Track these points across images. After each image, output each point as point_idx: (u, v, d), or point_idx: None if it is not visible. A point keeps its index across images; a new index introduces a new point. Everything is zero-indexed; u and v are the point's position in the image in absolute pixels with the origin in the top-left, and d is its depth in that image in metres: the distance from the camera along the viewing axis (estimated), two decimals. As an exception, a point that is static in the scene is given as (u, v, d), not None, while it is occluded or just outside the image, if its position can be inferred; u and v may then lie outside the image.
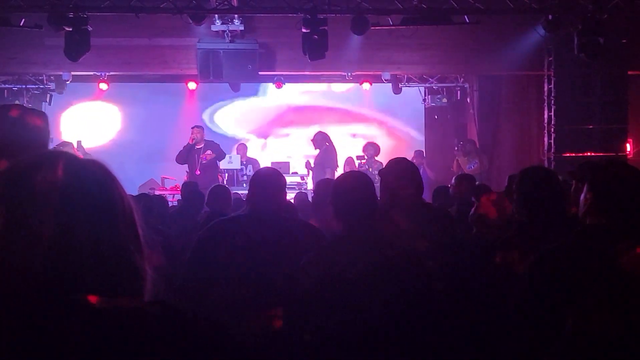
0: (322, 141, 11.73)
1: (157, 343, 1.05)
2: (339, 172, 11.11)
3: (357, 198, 3.03)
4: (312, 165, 12.03)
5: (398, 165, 3.95)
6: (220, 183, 10.57)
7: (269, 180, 3.63)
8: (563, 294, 2.40)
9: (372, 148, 12.47)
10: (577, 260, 2.44)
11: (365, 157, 12.40)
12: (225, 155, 11.49)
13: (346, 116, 15.15)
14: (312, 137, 11.93)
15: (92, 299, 1.05)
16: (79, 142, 12.52)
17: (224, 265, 3.35)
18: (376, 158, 12.35)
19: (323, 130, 12.59)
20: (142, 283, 1.13)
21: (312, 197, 4.94)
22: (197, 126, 11.62)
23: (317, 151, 12.07)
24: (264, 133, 15.29)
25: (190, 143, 11.17)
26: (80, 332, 1.02)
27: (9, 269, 1.05)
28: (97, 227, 1.09)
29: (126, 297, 1.09)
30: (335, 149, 11.71)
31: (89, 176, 1.13)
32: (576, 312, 2.18)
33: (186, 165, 11.38)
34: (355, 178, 3.23)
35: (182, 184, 6.64)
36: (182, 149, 11.29)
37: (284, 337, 2.95)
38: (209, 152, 11.07)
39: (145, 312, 1.08)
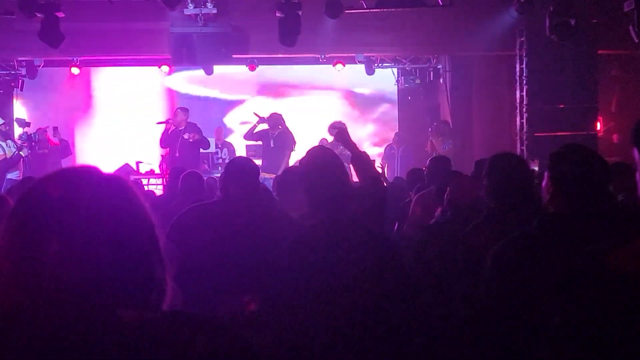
0: (276, 122, 11.06)
1: (182, 353, 1.09)
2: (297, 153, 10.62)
3: (324, 181, 3.07)
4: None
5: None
6: (201, 167, 10.51)
7: (242, 168, 3.70)
8: (524, 283, 2.46)
9: (338, 127, 12.27)
10: (540, 250, 2.48)
11: (333, 138, 12.16)
12: (208, 142, 11.30)
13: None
14: (266, 118, 11.08)
15: (119, 311, 1.09)
16: (55, 128, 12.42)
17: (198, 250, 3.39)
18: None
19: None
20: (163, 294, 1.16)
21: (278, 182, 4.86)
22: (180, 108, 11.43)
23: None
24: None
25: (172, 125, 10.98)
26: (109, 345, 1.06)
27: (39, 285, 1.08)
28: (121, 241, 1.12)
29: (150, 309, 1.12)
30: (290, 130, 11.13)
31: (112, 192, 1.16)
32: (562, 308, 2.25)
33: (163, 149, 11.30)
34: (324, 163, 3.23)
35: (184, 175, 6.29)
36: (163, 132, 11.08)
37: (260, 321, 3.00)
38: (193, 134, 10.82)
39: (170, 323, 1.11)
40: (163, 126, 11.10)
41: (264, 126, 11.10)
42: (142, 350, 1.07)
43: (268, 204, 4.16)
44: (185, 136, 10.78)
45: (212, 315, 1.20)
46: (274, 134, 10.90)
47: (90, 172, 1.18)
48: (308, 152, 3.41)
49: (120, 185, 1.19)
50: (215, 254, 3.38)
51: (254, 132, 11.10)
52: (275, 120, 11.01)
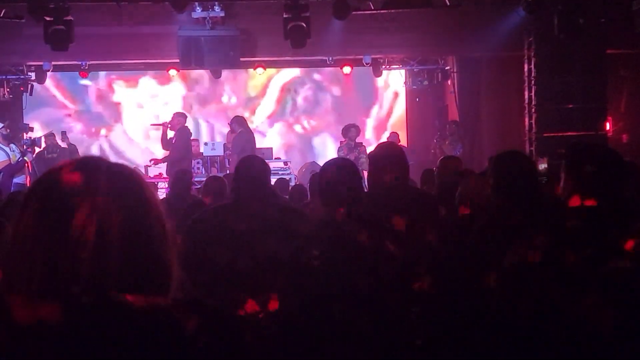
0: (236, 125, 11.28)
1: (189, 340, 1.10)
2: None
3: (340, 185, 3.09)
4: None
5: (380, 149, 4.01)
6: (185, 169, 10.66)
7: (251, 168, 3.69)
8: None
9: (352, 130, 12.34)
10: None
11: (346, 140, 12.27)
12: (186, 144, 11.24)
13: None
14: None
15: (130, 297, 1.10)
16: (63, 133, 12.47)
17: (214, 252, 3.41)
18: (357, 140, 12.22)
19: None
20: (170, 281, 1.18)
21: (309, 185, 5.04)
22: (177, 112, 11.59)
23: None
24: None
25: (164, 129, 11.19)
26: (118, 329, 1.07)
27: (54, 269, 1.10)
28: (134, 229, 1.14)
29: (159, 295, 1.14)
30: (249, 134, 11.24)
31: (126, 181, 1.18)
32: None
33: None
34: (339, 165, 3.29)
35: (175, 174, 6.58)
36: (162, 134, 11.28)
37: (280, 320, 3.01)
38: (175, 138, 11.02)
39: (178, 310, 1.13)
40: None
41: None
42: (150, 335, 1.08)
43: (278, 202, 4.18)
44: (174, 140, 10.92)
45: (218, 305, 1.20)
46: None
47: (103, 161, 1.21)
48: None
49: (132, 174, 1.21)
50: (232, 254, 3.39)
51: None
52: (236, 123, 11.24)
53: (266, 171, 3.77)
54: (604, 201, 2.52)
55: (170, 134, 11.09)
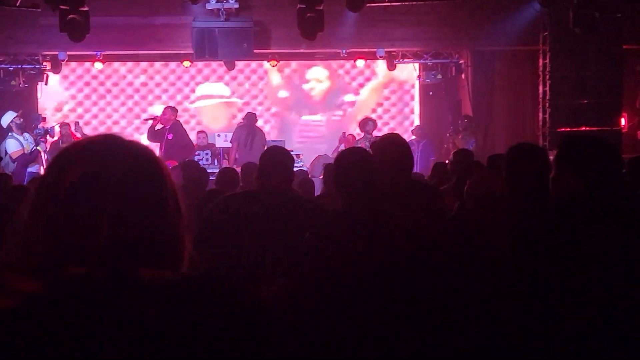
0: (244, 119, 11.86)
1: (200, 312, 1.12)
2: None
3: (355, 174, 3.10)
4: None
5: (383, 143, 4.01)
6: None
7: (277, 158, 3.71)
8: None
9: (370, 124, 12.38)
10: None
11: (363, 133, 12.32)
12: (188, 144, 11.51)
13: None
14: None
15: (143, 272, 1.12)
16: (76, 123, 12.53)
17: (232, 238, 3.43)
18: (374, 133, 12.25)
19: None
20: (182, 257, 1.20)
21: (323, 175, 5.11)
22: (169, 107, 11.83)
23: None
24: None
25: (158, 122, 11.41)
26: (131, 302, 1.09)
27: (75, 243, 1.12)
28: (149, 204, 1.16)
29: (172, 270, 1.16)
30: (252, 129, 11.68)
31: (141, 158, 1.20)
32: None
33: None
34: (355, 154, 3.30)
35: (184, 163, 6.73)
36: (150, 127, 11.56)
37: (290, 307, 3.03)
38: (170, 134, 11.22)
39: (190, 283, 1.14)
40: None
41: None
42: (161, 308, 1.10)
43: (298, 195, 4.20)
44: (170, 136, 11.08)
45: (230, 279, 1.22)
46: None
47: (118, 138, 1.22)
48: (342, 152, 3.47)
49: (147, 151, 1.23)
50: (247, 243, 3.41)
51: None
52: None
53: (291, 160, 3.79)
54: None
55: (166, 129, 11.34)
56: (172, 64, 14.09)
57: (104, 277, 1.10)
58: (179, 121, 11.73)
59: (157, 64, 14.20)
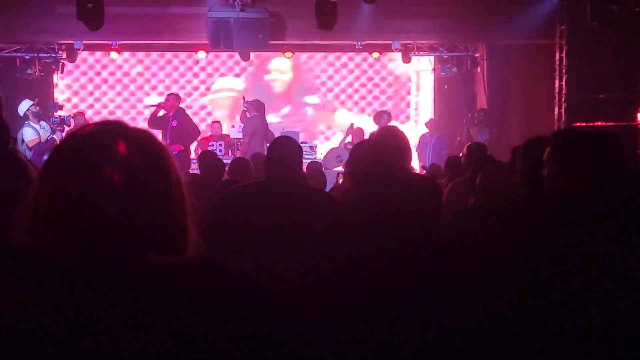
0: (252, 109, 11.55)
1: (206, 296, 1.12)
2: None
3: (372, 167, 3.09)
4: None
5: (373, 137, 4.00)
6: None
7: (286, 149, 3.70)
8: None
9: (384, 117, 12.30)
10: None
11: (378, 126, 12.23)
12: (194, 129, 11.51)
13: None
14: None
15: (148, 255, 1.13)
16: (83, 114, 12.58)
17: (241, 230, 3.43)
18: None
19: None
20: (187, 243, 1.21)
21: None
22: (172, 94, 11.85)
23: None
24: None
25: (160, 109, 11.40)
26: (137, 285, 1.10)
27: (83, 228, 1.12)
28: (155, 189, 1.17)
29: (176, 255, 1.17)
30: (262, 120, 11.50)
31: (146, 144, 1.21)
32: None
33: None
34: (372, 146, 3.29)
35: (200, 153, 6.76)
36: (152, 113, 11.53)
37: (303, 299, 3.02)
38: (174, 121, 11.23)
39: (195, 267, 1.15)
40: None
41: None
42: (167, 291, 1.10)
43: (308, 185, 4.20)
44: (174, 123, 11.10)
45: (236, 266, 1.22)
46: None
47: (124, 124, 1.23)
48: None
49: (152, 138, 1.23)
50: (260, 233, 3.41)
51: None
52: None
53: (298, 153, 3.77)
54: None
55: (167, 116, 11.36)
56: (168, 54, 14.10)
57: (110, 260, 1.11)
58: (182, 108, 11.73)
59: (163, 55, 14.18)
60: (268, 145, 4.14)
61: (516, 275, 2.59)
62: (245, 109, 11.61)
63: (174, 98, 11.59)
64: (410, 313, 2.87)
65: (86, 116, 12.60)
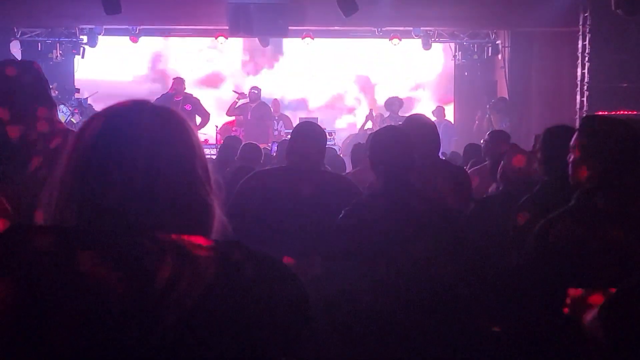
0: (255, 97, 12.10)
1: (232, 276, 1.11)
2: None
3: (394, 153, 3.07)
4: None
5: (410, 123, 3.99)
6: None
7: (310, 134, 3.68)
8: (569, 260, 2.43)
9: (396, 103, 12.22)
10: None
11: (389, 112, 12.16)
12: (208, 114, 11.53)
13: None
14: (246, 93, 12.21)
15: (175, 237, 1.11)
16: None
17: (263, 214, 3.43)
18: (400, 113, 12.11)
19: None
20: (212, 222, 1.20)
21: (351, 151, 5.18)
22: (178, 77, 11.83)
23: None
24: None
25: (170, 92, 11.35)
26: (166, 268, 1.08)
27: (106, 208, 1.12)
28: (179, 170, 1.16)
29: (202, 236, 1.15)
30: (266, 107, 11.89)
31: (172, 122, 1.20)
32: None
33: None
34: (393, 133, 3.26)
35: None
36: (161, 96, 11.44)
37: (323, 285, 3.02)
38: (188, 105, 11.20)
39: (221, 248, 1.14)
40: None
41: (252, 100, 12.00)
42: (194, 271, 1.09)
43: (330, 171, 4.18)
44: (188, 107, 11.10)
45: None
46: (252, 107, 11.79)
47: (148, 103, 1.22)
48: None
49: (177, 116, 1.22)
50: (279, 218, 3.40)
51: (235, 107, 11.99)
52: (254, 94, 11.93)
53: (322, 138, 3.75)
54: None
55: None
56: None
57: (136, 239, 1.10)
58: (189, 93, 11.71)
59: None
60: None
61: (539, 264, 2.56)
62: (244, 98, 11.96)
63: (180, 81, 11.55)
64: (427, 305, 2.86)
65: (106, 98, 12.65)
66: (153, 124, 1.17)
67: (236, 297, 1.10)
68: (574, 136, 2.57)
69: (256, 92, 12.08)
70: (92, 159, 1.14)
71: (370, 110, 12.78)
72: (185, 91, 11.52)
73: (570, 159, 2.59)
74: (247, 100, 11.94)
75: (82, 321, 1.04)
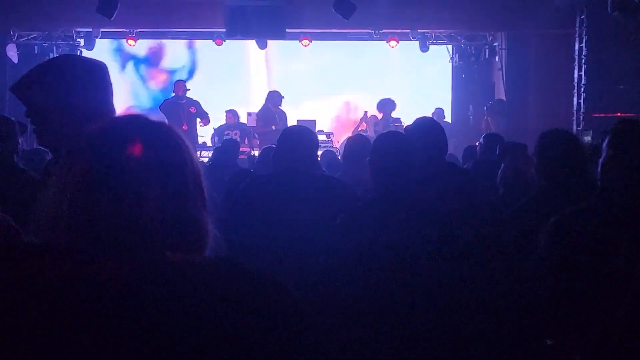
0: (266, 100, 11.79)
1: (227, 296, 1.12)
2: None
3: (393, 159, 3.04)
4: None
5: (417, 125, 3.96)
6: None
7: (299, 138, 3.66)
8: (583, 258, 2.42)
9: (389, 104, 12.12)
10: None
11: (382, 114, 12.07)
12: (208, 116, 11.53)
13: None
14: None
15: (169, 254, 1.12)
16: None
17: (260, 223, 3.41)
18: (393, 115, 12.04)
19: None
20: (204, 239, 1.19)
21: (343, 152, 5.07)
22: (180, 80, 11.82)
23: None
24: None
25: (176, 95, 11.33)
26: (156, 285, 1.09)
27: (92, 227, 1.11)
28: (171, 186, 1.15)
29: (195, 253, 1.15)
30: (271, 112, 11.51)
31: (163, 138, 1.19)
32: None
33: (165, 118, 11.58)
34: (395, 139, 3.23)
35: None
36: (167, 99, 11.45)
37: (321, 291, 3.01)
38: (192, 108, 11.24)
39: (215, 267, 1.14)
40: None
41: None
42: (188, 290, 1.09)
43: (324, 174, 4.16)
44: (193, 110, 11.15)
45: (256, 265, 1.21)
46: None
47: (142, 117, 1.21)
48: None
49: (170, 131, 1.21)
50: (276, 224, 3.39)
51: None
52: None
53: (312, 141, 3.73)
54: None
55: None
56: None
57: (131, 260, 1.10)
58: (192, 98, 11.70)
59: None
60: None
61: (560, 260, 2.55)
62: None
63: (182, 84, 11.51)
64: (424, 307, 2.85)
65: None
66: (144, 146, 1.15)
67: (229, 313, 1.10)
68: (607, 138, 2.56)
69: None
70: (82, 189, 1.13)
71: (365, 112, 12.75)
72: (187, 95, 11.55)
73: (601, 160, 2.58)
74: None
75: (76, 343, 1.05)
